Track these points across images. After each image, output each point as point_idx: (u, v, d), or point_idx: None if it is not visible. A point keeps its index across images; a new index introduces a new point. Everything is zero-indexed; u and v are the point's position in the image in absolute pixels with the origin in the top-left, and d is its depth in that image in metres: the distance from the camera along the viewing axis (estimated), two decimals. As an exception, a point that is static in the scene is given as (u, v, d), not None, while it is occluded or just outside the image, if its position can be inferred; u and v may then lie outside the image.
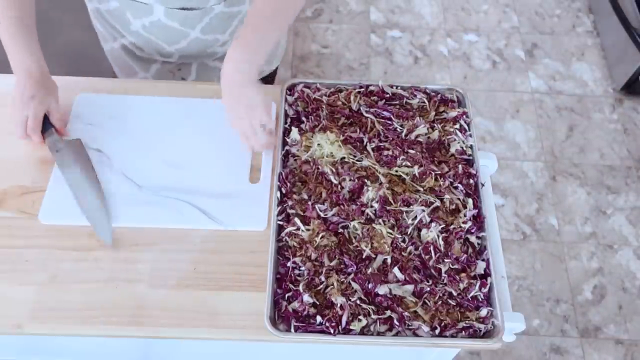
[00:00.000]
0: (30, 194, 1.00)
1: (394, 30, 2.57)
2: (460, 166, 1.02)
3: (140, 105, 1.10)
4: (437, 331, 0.86)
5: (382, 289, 0.88)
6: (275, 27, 1.00)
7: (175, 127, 1.07)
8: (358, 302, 0.88)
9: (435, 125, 1.06)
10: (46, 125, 1.04)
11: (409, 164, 1.00)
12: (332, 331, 0.85)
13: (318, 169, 1.00)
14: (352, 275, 0.90)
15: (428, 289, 0.89)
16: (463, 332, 0.87)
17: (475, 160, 1.04)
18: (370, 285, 0.89)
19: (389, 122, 1.06)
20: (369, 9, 2.63)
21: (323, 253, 0.91)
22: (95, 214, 0.97)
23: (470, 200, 0.98)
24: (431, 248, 0.92)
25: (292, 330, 0.86)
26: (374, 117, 1.06)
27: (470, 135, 1.07)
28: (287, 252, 0.93)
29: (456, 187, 1.00)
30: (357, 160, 1.01)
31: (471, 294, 0.90)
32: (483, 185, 1.02)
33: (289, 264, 0.91)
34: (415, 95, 1.10)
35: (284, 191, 0.98)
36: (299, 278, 0.90)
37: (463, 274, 0.91)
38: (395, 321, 0.86)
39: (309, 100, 1.09)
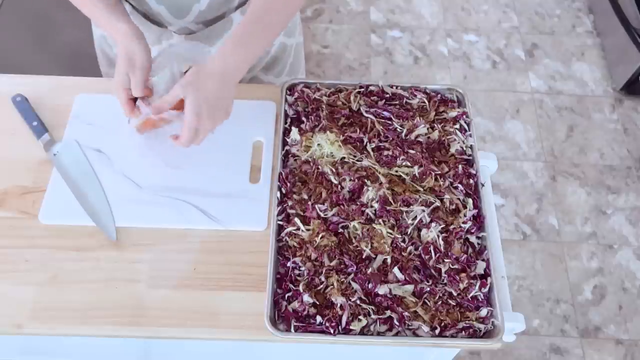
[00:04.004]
0: (30, 194, 1.00)
1: (394, 30, 2.57)
2: (460, 166, 1.02)
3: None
4: (437, 331, 0.86)
5: (382, 289, 0.88)
6: (269, 29, 0.95)
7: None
8: (358, 302, 0.88)
9: (435, 125, 1.06)
10: (41, 130, 1.04)
11: (409, 164, 1.00)
12: (332, 331, 0.86)
13: (318, 169, 1.00)
14: (352, 275, 0.90)
15: (428, 289, 0.89)
16: (463, 332, 0.87)
17: (475, 160, 1.04)
18: (370, 285, 0.89)
19: (389, 122, 1.06)
20: (369, 9, 2.63)
21: (323, 253, 0.91)
22: (97, 211, 0.97)
23: (470, 200, 0.98)
24: (431, 248, 0.92)
25: (292, 330, 0.86)
26: (374, 117, 1.06)
27: (470, 135, 1.07)
28: (287, 252, 0.93)
29: (456, 187, 1.00)
30: (357, 160, 1.01)
31: (471, 294, 0.90)
32: (483, 185, 1.02)
33: (289, 264, 0.91)
34: (415, 95, 1.10)
35: (284, 191, 0.98)
36: (299, 278, 0.90)
37: (463, 274, 0.91)
38: (395, 321, 0.86)
39: (309, 100, 1.09)
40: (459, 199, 0.98)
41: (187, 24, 1.06)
